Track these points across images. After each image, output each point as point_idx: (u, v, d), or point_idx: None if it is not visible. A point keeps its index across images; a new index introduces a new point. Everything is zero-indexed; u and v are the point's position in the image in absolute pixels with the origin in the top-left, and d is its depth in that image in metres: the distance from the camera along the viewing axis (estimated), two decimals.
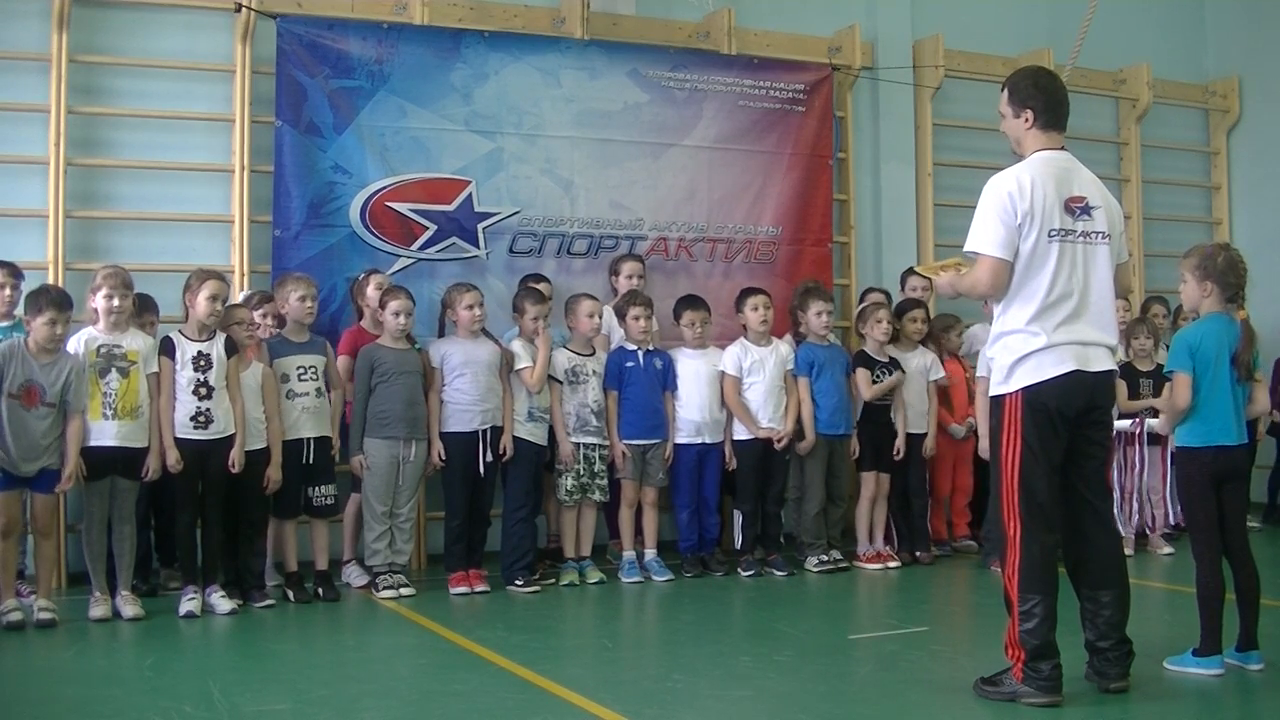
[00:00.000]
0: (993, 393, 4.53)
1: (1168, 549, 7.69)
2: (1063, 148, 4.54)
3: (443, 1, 7.73)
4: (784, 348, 7.41)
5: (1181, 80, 10.38)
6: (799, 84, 8.61)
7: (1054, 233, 4.36)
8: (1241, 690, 4.61)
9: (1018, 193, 4.36)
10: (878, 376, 7.47)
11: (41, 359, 5.72)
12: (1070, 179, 4.46)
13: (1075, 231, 4.40)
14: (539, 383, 6.72)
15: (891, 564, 7.39)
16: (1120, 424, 7.22)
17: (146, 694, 4.60)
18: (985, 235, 4.39)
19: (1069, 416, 4.37)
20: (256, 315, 6.53)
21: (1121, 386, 7.55)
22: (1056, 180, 4.42)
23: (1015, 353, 4.39)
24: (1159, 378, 7.61)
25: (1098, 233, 4.44)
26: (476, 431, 6.65)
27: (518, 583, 6.61)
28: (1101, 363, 4.42)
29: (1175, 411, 4.82)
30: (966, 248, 4.48)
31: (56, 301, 5.75)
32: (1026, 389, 4.36)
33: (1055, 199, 4.38)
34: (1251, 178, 10.42)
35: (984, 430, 7.37)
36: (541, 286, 7.24)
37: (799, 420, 7.26)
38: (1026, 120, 4.53)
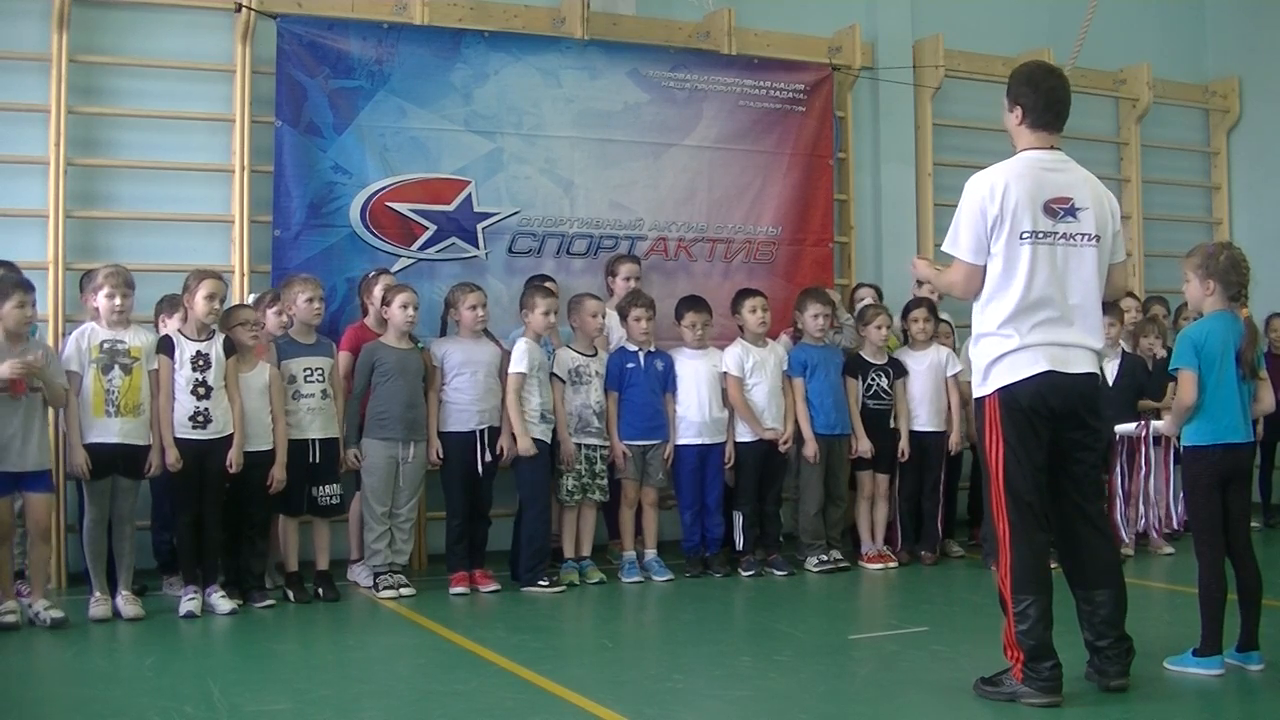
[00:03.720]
0: (974, 395, 4.56)
1: (1168, 549, 7.68)
2: (1054, 147, 4.51)
3: (443, 1, 7.73)
4: (780, 349, 7.41)
5: (1181, 80, 10.39)
6: (799, 84, 8.61)
7: (1025, 235, 4.35)
8: (1242, 691, 4.60)
9: (988, 196, 4.36)
10: (874, 379, 7.47)
11: (16, 347, 5.69)
12: (1054, 180, 4.43)
13: (1055, 234, 4.38)
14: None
15: (891, 564, 7.39)
16: (1124, 428, 7.21)
17: (146, 694, 4.60)
18: (958, 240, 4.44)
19: (1045, 416, 4.36)
20: (271, 314, 6.55)
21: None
22: (1035, 181, 4.39)
23: (990, 355, 4.41)
24: (1163, 377, 7.60)
25: (1082, 234, 4.42)
26: (474, 431, 6.65)
27: (541, 583, 6.60)
28: (1081, 365, 4.41)
29: (1181, 409, 4.81)
30: (944, 247, 4.53)
31: (21, 283, 5.75)
32: (1002, 390, 4.37)
33: (1029, 201, 4.35)
34: (1251, 178, 10.43)
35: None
36: (548, 286, 7.24)
37: (797, 421, 7.27)
38: (1017, 117, 4.52)
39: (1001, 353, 4.37)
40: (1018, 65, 4.77)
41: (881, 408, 7.48)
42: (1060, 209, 4.39)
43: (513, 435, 6.70)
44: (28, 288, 5.77)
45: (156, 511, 6.53)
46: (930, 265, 4.79)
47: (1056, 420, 4.38)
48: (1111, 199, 4.60)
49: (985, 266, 4.39)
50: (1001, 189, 4.36)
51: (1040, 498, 4.39)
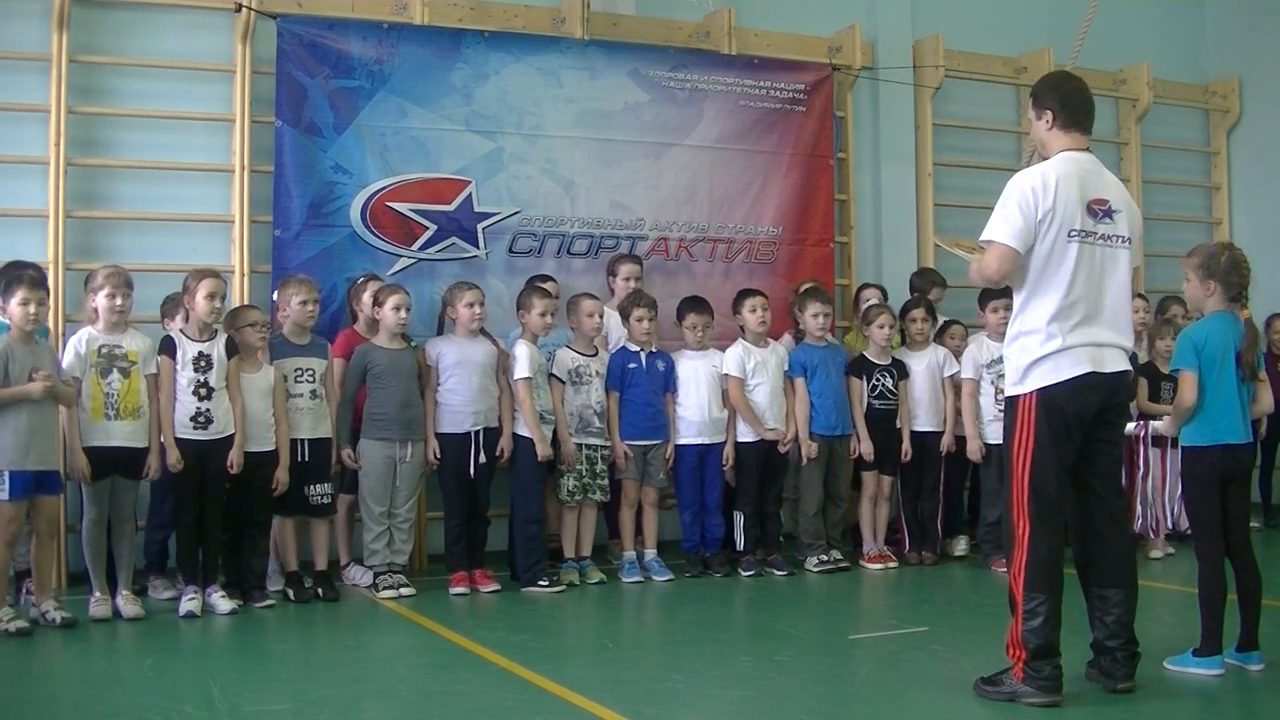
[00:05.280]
0: (1007, 393, 4.55)
1: (1168, 549, 7.65)
2: (1087, 149, 4.54)
3: (443, 1, 7.73)
4: (781, 350, 7.41)
5: (1181, 80, 10.39)
6: (799, 84, 8.61)
7: (1074, 233, 4.36)
8: (1242, 690, 4.61)
9: (1041, 189, 4.36)
10: (879, 380, 7.47)
11: (28, 346, 5.69)
12: (1094, 181, 4.47)
13: (1096, 234, 4.40)
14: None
15: (891, 564, 7.39)
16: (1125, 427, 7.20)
17: (146, 694, 4.60)
18: (1001, 223, 4.40)
19: (1085, 418, 4.38)
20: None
21: (1141, 385, 7.54)
22: (1080, 180, 4.42)
23: (1031, 354, 4.39)
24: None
25: (1118, 236, 4.45)
26: (469, 433, 6.65)
27: (541, 583, 6.60)
28: (1117, 364, 4.44)
29: (1181, 410, 4.82)
30: (983, 236, 4.48)
31: (26, 280, 5.66)
32: (1042, 390, 4.36)
33: (1078, 199, 4.38)
34: (1251, 178, 10.43)
35: (972, 432, 7.37)
36: (548, 286, 7.24)
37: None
38: (1047, 121, 4.54)
39: (1044, 354, 4.36)
40: (1038, 79, 4.80)
41: (887, 408, 7.47)
42: (1100, 210, 4.42)
43: (514, 437, 6.71)
44: (34, 285, 5.68)
45: (153, 511, 6.50)
46: (960, 245, 4.76)
47: (1091, 419, 4.39)
48: (1135, 206, 4.63)
49: (1023, 254, 4.36)
50: (1053, 184, 4.36)
51: (1063, 499, 4.40)
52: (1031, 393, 4.39)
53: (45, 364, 5.69)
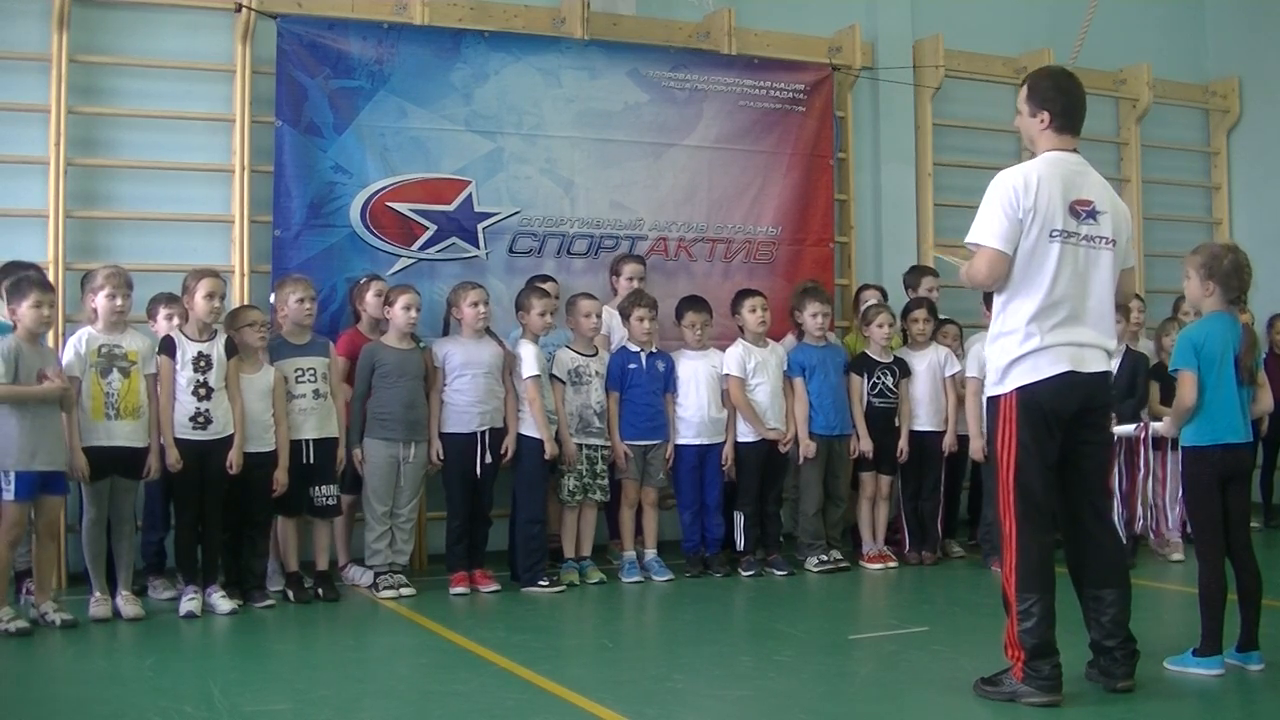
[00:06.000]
0: (988, 393, 4.57)
1: (1176, 555, 7.58)
2: (1075, 150, 4.54)
3: (443, 1, 7.73)
4: (781, 350, 7.41)
5: (1181, 80, 10.39)
6: (799, 84, 8.61)
7: (1055, 233, 4.36)
8: (1242, 691, 4.61)
9: (1022, 189, 4.35)
10: (879, 378, 7.48)
11: (34, 346, 5.69)
12: (1078, 181, 4.46)
13: (1078, 234, 4.40)
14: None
15: (891, 564, 7.39)
16: (1124, 429, 7.20)
17: (146, 694, 4.60)
18: (986, 227, 4.40)
19: (1064, 416, 4.38)
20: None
21: (1154, 389, 7.53)
22: (1064, 181, 4.41)
23: (1010, 354, 4.40)
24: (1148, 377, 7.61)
25: (1101, 238, 4.44)
26: (475, 433, 6.65)
27: (541, 583, 6.60)
28: (1097, 364, 4.43)
29: (1181, 410, 4.82)
30: (967, 239, 4.48)
31: (40, 283, 5.71)
32: (1021, 389, 4.37)
33: (1060, 200, 4.37)
34: (1251, 178, 10.43)
35: (975, 431, 7.38)
36: (548, 286, 7.24)
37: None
38: (1042, 121, 4.52)
39: (1023, 353, 4.36)
40: (1037, 69, 4.79)
41: (887, 406, 7.48)
42: (1083, 211, 4.41)
43: (519, 436, 6.72)
44: (46, 288, 5.72)
45: (147, 512, 6.50)
46: (952, 254, 4.79)
47: (1071, 419, 4.39)
48: (1125, 207, 4.63)
49: (1012, 256, 4.37)
50: (1035, 184, 4.36)
51: (1050, 498, 4.40)
52: (1011, 392, 4.40)
53: (51, 364, 5.69)
